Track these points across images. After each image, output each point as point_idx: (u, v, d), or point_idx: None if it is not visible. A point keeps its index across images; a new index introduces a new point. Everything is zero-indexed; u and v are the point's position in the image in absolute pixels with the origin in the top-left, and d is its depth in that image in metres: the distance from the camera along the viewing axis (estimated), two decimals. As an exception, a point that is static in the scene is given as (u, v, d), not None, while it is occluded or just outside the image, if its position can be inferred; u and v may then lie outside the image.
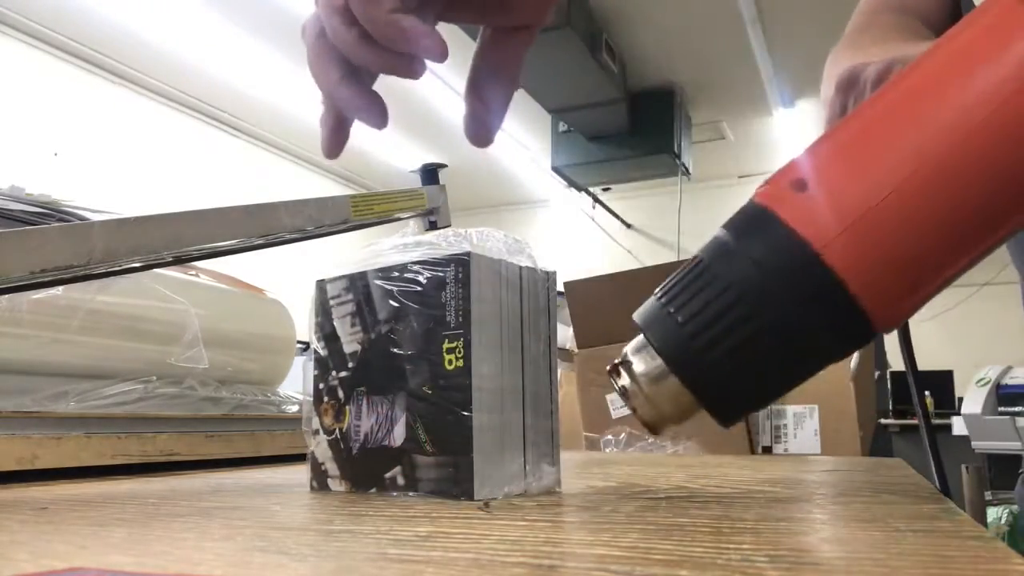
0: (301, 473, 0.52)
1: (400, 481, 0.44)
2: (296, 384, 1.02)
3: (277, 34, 3.89)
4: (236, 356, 0.91)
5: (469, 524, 0.33)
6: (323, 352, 0.49)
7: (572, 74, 3.75)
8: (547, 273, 0.48)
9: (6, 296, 0.62)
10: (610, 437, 1.05)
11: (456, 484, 0.41)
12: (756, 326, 0.29)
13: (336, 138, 0.37)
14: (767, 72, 4.26)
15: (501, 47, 0.37)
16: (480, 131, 0.38)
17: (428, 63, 0.33)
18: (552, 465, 0.47)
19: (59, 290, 0.69)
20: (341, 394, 0.47)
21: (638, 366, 0.33)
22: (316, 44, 0.34)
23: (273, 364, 1.00)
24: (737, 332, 0.30)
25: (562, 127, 4.63)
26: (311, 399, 0.49)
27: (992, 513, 2.66)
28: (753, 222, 0.31)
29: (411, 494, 0.43)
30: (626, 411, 0.35)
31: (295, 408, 0.92)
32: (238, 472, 0.64)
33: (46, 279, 0.42)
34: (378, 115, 0.35)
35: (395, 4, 0.31)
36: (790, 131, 5.04)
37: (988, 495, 2.54)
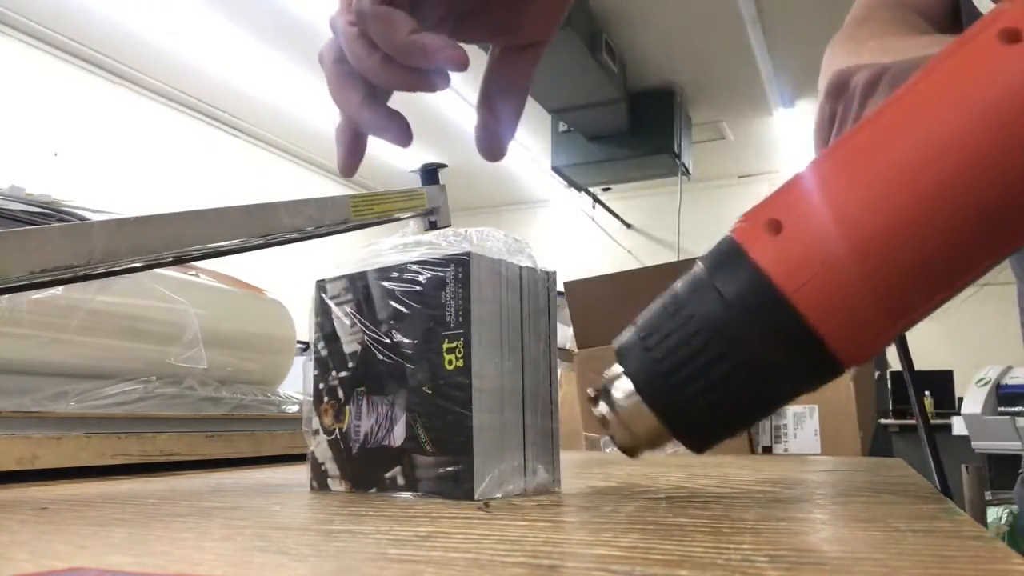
0: (301, 473, 0.52)
1: (400, 481, 0.44)
2: (296, 384, 1.02)
3: (277, 34, 3.89)
4: (236, 356, 0.91)
5: (469, 524, 0.33)
6: (323, 352, 0.49)
7: (572, 74, 3.75)
8: (547, 273, 0.48)
9: (6, 296, 0.62)
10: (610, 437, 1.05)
11: (456, 484, 0.41)
12: (729, 365, 0.30)
13: (353, 157, 0.38)
14: (767, 72, 4.26)
15: (510, 64, 0.39)
16: (492, 144, 0.39)
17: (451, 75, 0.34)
18: (552, 465, 0.47)
19: (59, 290, 0.69)
20: (341, 394, 0.47)
21: (616, 394, 0.34)
22: (335, 69, 0.35)
23: (273, 364, 1.00)
24: (710, 371, 0.31)
25: (562, 127, 4.63)
26: (311, 399, 0.49)
27: (992, 513, 2.66)
28: (727, 260, 0.31)
29: (411, 494, 0.43)
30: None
31: (295, 408, 0.92)
32: (238, 472, 0.64)
33: (46, 279, 0.42)
34: (403, 133, 0.36)
35: (412, 26, 0.32)
36: (790, 131, 5.04)
37: (988, 495, 2.54)
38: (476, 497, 0.40)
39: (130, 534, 0.31)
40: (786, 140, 5.20)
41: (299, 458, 0.79)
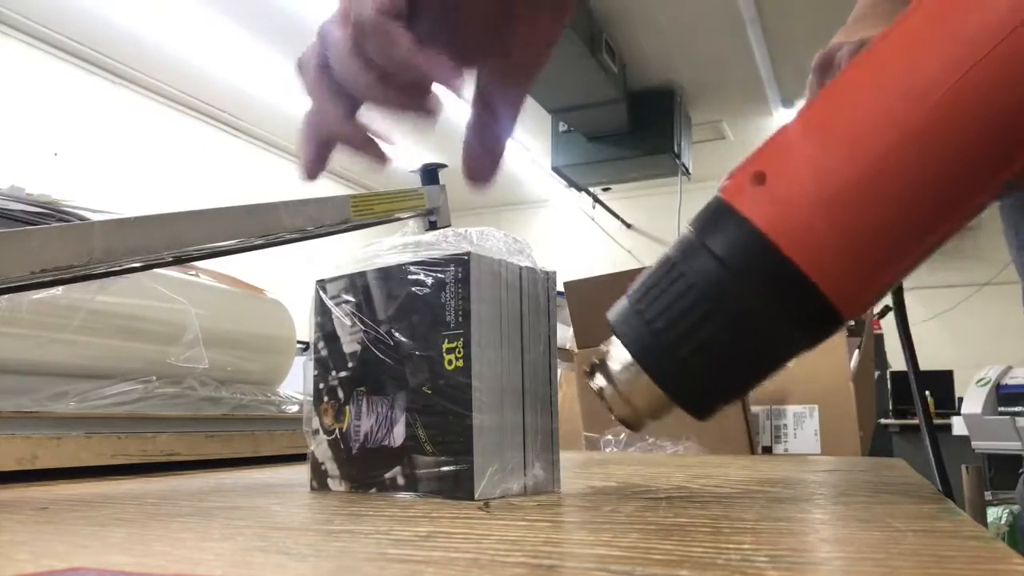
0: (301, 473, 0.52)
1: (400, 481, 0.44)
2: (296, 384, 1.02)
3: (277, 34, 3.89)
4: (236, 356, 0.91)
5: (469, 524, 0.33)
6: (323, 352, 0.49)
7: (572, 74, 3.75)
8: (547, 273, 0.48)
9: (6, 296, 0.62)
10: (610, 437, 1.05)
11: (456, 484, 0.41)
12: (721, 322, 0.30)
13: (321, 164, 0.38)
14: (767, 72, 4.26)
15: (501, 87, 0.38)
16: (479, 170, 0.38)
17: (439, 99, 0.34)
18: (552, 465, 0.47)
19: (59, 290, 0.69)
20: (341, 394, 0.47)
21: (613, 365, 0.34)
22: (318, 77, 0.34)
23: (273, 364, 1.00)
24: (703, 329, 0.30)
25: (562, 127, 4.63)
26: (311, 399, 0.49)
27: (992, 513, 2.66)
28: (715, 217, 0.31)
29: (411, 494, 0.43)
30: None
31: (295, 408, 0.92)
32: (238, 472, 0.64)
33: (46, 279, 0.42)
34: (382, 152, 0.36)
35: (412, 42, 0.32)
36: (790, 131, 5.04)
37: (988, 495, 2.54)
38: (476, 497, 0.40)
39: (130, 534, 0.31)
40: (786, 140, 5.20)
41: (299, 458, 0.79)
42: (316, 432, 0.49)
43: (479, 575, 0.22)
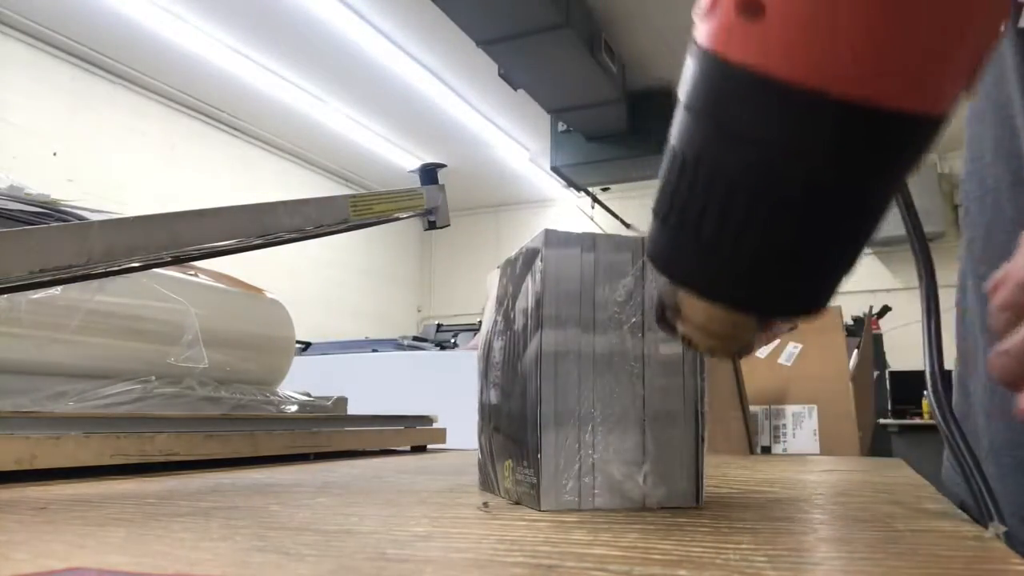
0: (300, 473, 0.52)
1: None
2: (295, 384, 1.02)
3: (277, 34, 3.89)
4: (235, 356, 0.91)
5: (469, 524, 0.33)
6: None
7: (571, 74, 3.75)
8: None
9: (5, 296, 0.62)
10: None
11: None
12: (749, 195, 0.24)
13: None
14: (766, 72, 4.25)
15: None
16: None
17: None
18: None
19: (58, 290, 0.68)
20: None
21: (669, 300, 0.29)
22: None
23: (272, 364, 1.00)
24: (733, 212, 0.24)
25: (561, 127, 4.63)
26: None
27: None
28: (704, 79, 0.25)
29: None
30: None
31: (294, 408, 0.92)
32: (237, 472, 0.64)
33: (45, 279, 0.42)
34: None
35: None
36: (789, 131, 5.03)
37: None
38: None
39: (129, 534, 0.31)
40: (785, 140, 5.19)
41: (298, 458, 0.79)
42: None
43: (479, 575, 0.22)
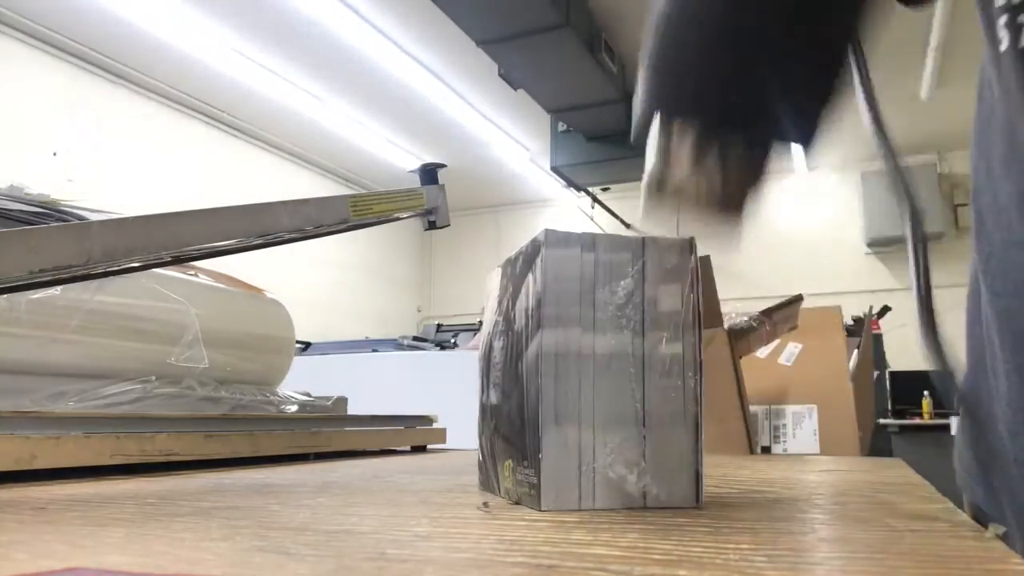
0: (300, 473, 0.52)
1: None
2: (295, 384, 1.02)
3: (277, 34, 3.89)
4: (235, 356, 0.91)
5: (469, 524, 0.33)
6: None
7: (571, 74, 3.75)
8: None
9: (5, 296, 0.62)
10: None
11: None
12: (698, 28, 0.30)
13: None
14: (766, 72, 4.25)
15: None
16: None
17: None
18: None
19: (58, 290, 0.68)
20: None
21: (656, 170, 0.34)
22: None
23: (272, 364, 1.00)
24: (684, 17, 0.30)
25: (561, 127, 4.63)
26: None
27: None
28: None
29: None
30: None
31: (294, 408, 0.92)
32: (237, 472, 0.64)
33: (45, 279, 0.42)
34: None
35: None
36: (789, 131, 5.03)
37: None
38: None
39: (129, 534, 0.31)
40: (785, 140, 5.19)
41: (298, 458, 0.79)
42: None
43: (479, 575, 0.22)
